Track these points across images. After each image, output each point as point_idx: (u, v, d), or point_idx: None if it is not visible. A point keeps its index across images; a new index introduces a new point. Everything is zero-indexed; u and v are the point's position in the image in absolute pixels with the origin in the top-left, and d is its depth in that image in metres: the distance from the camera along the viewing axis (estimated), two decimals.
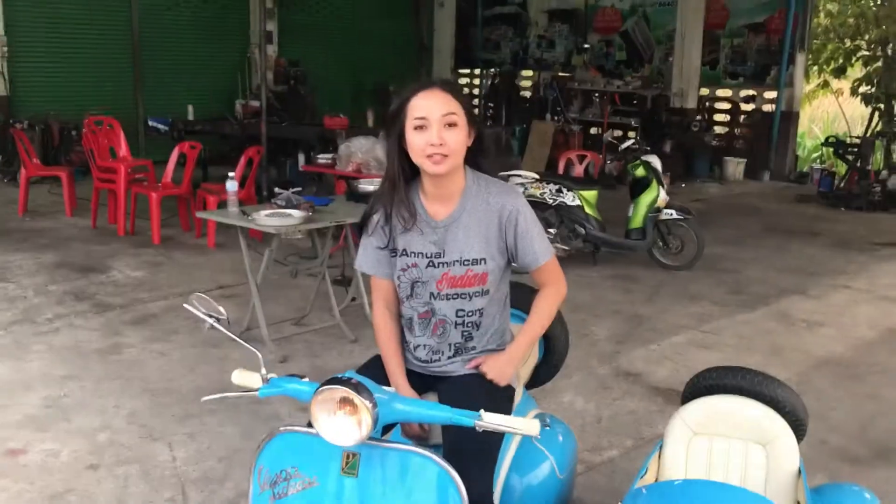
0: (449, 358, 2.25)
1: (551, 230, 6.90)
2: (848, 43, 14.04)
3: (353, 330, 5.17)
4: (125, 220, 7.79)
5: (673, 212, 7.10)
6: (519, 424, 1.70)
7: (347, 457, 1.73)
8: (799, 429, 2.54)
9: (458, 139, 2.10)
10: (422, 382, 2.26)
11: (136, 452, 3.60)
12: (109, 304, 5.69)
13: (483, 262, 2.19)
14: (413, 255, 2.21)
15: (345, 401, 1.65)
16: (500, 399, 2.19)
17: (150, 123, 10.85)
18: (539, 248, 2.22)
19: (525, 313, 2.77)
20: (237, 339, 1.94)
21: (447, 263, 2.19)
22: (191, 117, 10.45)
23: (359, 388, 1.64)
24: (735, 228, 9.15)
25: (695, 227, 7.14)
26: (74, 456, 3.55)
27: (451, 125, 2.08)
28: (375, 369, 2.24)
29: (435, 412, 1.75)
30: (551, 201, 6.97)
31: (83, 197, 8.61)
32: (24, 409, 4.00)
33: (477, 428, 1.71)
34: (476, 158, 2.24)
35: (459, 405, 2.06)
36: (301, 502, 1.76)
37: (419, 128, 2.08)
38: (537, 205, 6.70)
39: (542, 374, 2.82)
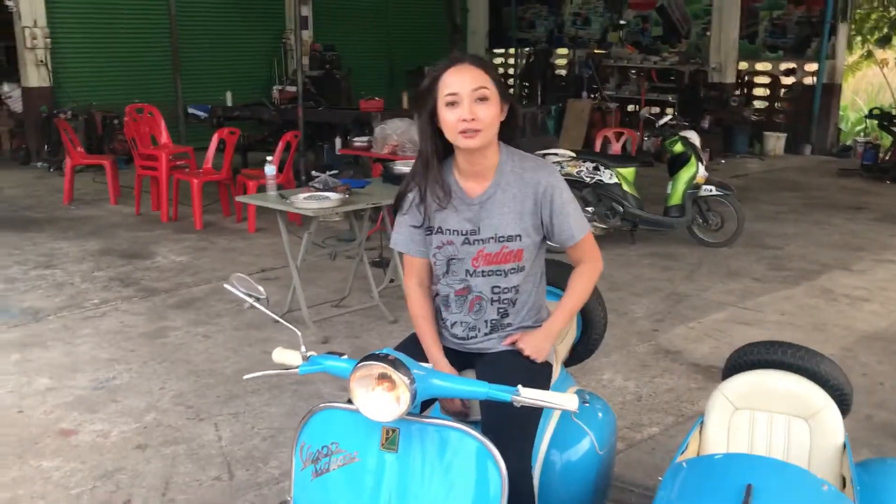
0: (486, 335, 2.26)
1: (589, 209, 6.87)
2: (893, 11, 13.69)
3: (392, 311, 5.21)
4: (168, 206, 7.92)
5: (712, 188, 7.01)
6: (557, 399, 1.70)
7: (387, 432, 1.76)
8: (843, 403, 2.52)
9: (491, 113, 2.10)
10: (459, 359, 2.28)
11: (183, 433, 3.69)
12: (154, 289, 5.80)
13: (518, 238, 2.19)
14: (449, 232, 2.22)
15: (383, 377, 1.67)
16: (538, 376, 2.20)
17: (190, 111, 11.01)
18: (575, 224, 2.22)
19: (561, 290, 2.78)
20: (278, 318, 1.98)
21: (482, 241, 2.20)
22: (229, 104, 10.55)
23: (396, 364, 1.66)
24: (776, 204, 9.02)
25: (734, 203, 7.05)
26: (123, 436, 3.65)
27: (483, 99, 2.08)
28: (412, 347, 2.26)
29: (472, 388, 1.76)
30: (588, 179, 6.92)
31: (126, 185, 8.77)
32: (75, 391, 4.11)
33: (514, 403, 1.72)
34: (510, 134, 2.24)
35: (497, 381, 2.08)
36: (342, 477, 1.79)
37: (451, 104, 2.08)
38: (574, 183, 6.66)
39: (580, 352, 2.83)
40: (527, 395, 1.72)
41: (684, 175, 6.98)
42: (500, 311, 2.25)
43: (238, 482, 3.28)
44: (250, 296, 2.00)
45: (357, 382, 1.69)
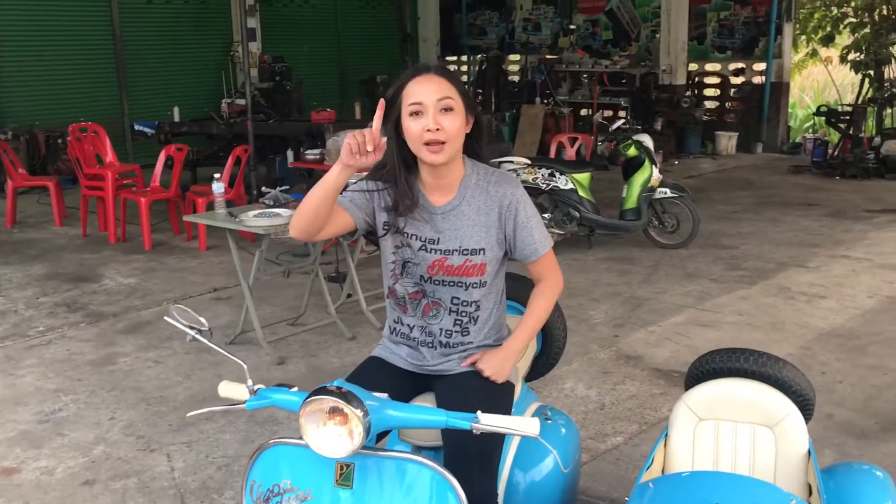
0: (443, 348, 2.19)
1: (545, 215, 6.84)
2: (835, 10, 13.96)
3: (350, 327, 5.11)
4: (115, 226, 7.70)
5: (667, 190, 7.03)
6: (518, 425, 1.63)
7: (341, 468, 1.67)
8: (806, 408, 2.49)
9: (456, 124, 2.04)
10: (418, 383, 2.19)
11: (134, 465, 3.54)
12: (102, 314, 5.62)
13: (482, 252, 2.14)
14: (407, 235, 2.16)
15: (335, 410, 1.58)
16: (500, 396, 2.13)
17: (136, 128, 10.74)
18: (539, 239, 2.17)
19: (521, 304, 2.72)
20: (221, 350, 1.87)
21: (443, 251, 2.14)
22: (177, 119, 10.33)
23: (348, 397, 1.57)
24: (730, 203, 9.10)
25: (689, 205, 7.08)
26: (70, 472, 3.49)
27: (448, 110, 2.03)
28: (370, 372, 2.17)
29: (430, 416, 1.68)
30: (544, 186, 6.89)
31: (72, 206, 8.53)
32: (18, 426, 3.93)
33: (474, 431, 1.64)
34: (475, 147, 2.19)
35: (457, 405, 2.01)
36: None
37: (415, 113, 2.02)
38: (530, 190, 6.62)
39: (541, 366, 2.76)
40: (487, 422, 1.64)
41: (639, 178, 6.99)
42: (458, 322, 2.18)
43: None
44: (192, 328, 1.89)
45: (307, 418, 1.60)
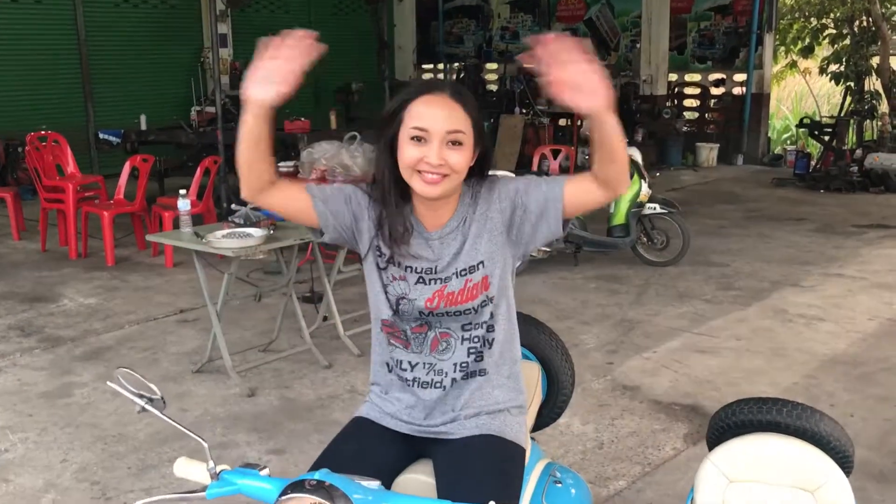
0: (454, 384, 1.86)
1: None
2: (814, 21, 13.88)
3: (326, 354, 4.77)
4: (76, 241, 7.29)
5: (656, 206, 6.78)
6: None
7: None
8: (846, 465, 2.21)
9: (463, 160, 1.73)
10: (413, 448, 1.87)
11: None
12: (59, 338, 5.23)
13: (481, 265, 1.82)
14: (402, 266, 1.83)
15: None
16: (510, 466, 1.81)
17: (101, 136, 10.32)
18: (546, 185, 1.80)
19: (529, 348, 2.40)
20: (176, 424, 1.53)
21: (441, 280, 1.82)
22: (144, 127, 9.93)
23: (333, 496, 1.25)
24: (716, 217, 8.88)
25: (679, 221, 6.83)
26: None
27: (456, 143, 1.71)
28: (356, 440, 1.85)
29: None
30: None
31: (32, 218, 8.10)
32: None
33: None
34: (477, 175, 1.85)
35: (461, 480, 1.71)
36: None
37: (417, 139, 1.70)
38: None
39: (546, 416, 2.45)
40: None
41: (627, 193, 6.72)
42: (472, 350, 1.85)
43: None
44: (142, 396, 1.55)
45: None
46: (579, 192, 1.77)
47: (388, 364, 1.91)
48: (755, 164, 12.81)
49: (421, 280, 1.82)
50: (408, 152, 1.71)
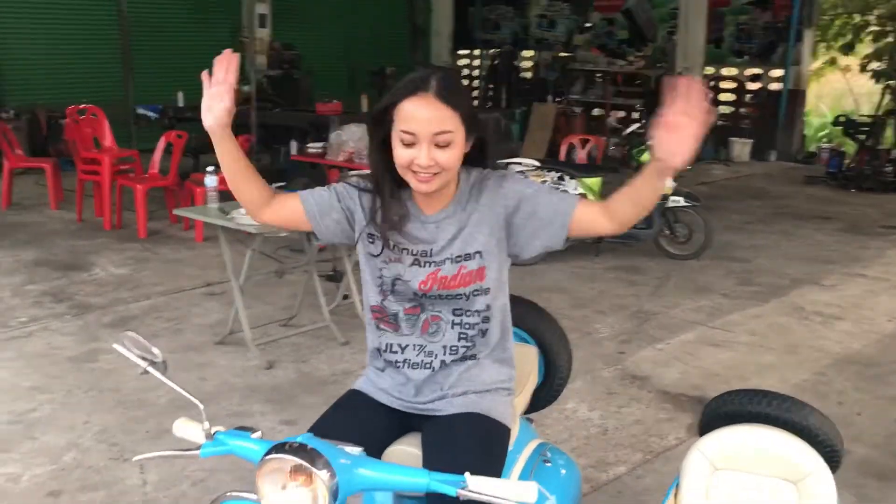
0: (444, 366, 1.94)
1: None
2: (857, 18, 13.66)
3: (344, 332, 4.88)
4: (111, 213, 7.50)
5: (680, 199, 6.77)
6: (512, 492, 1.40)
7: None
8: (833, 459, 2.26)
9: (453, 157, 1.78)
10: (402, 422, 1.97)
11: (104, 476, 3.33)
12: (89, 306, 5.40)
13: (478, 255, 1.88)
14: (398, 249, 1.91)
15: (297, 470, 1.35)
16: (494, 445, 1.89)
17: (139, 111, 10.53)
18: (557, 198, 1.85)
19: (529, 332, 2.48)
20: (175, 386, 1.65)
21: (436, 262, 1.89)
22: (181, 104, 10.11)
23: (313, 457, 1.34)
24: (743, 213, 8.84)
25: (703, 215, 6.83)
26: (36, 481, 3.28)
27: (445, 144, 1.76)
28: (348, 410, 1.95)
29: (409, 478, 1.45)
30: None
31: (71, 189, 8.31)
32: None
33: (460, 497, 1.41)
34: (477, 163, 1.92)
35: (444, 454, 1.80)
36: None
37: (407, 143, 1.76)
38: None
39: (542, 398, 2.54)
40: (475, 489, 1.41)
41: None
42: (463, 336, 1.93)
43: None
44: (144, 359, 1.66)
45: (265, 478, 1.37)
46: (588, 217, 1.82)
47: (378, 349, 1.99)
48: (788, 161, 12.68)
49: (416, 262, 1.90)
50: (400, 154, 1.78)
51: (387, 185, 1.88)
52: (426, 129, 1.74)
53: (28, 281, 5.91)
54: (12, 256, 6.51)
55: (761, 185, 10.78)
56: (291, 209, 1.93)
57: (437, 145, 1.75)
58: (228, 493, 1.56)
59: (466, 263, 1.88)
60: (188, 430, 1.61)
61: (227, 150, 1.83)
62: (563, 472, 2.32)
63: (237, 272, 4.62)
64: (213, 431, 1.58)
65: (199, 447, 1.58)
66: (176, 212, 5.28)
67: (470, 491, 1.40)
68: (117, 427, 3.74)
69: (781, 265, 6.78)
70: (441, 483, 1.42)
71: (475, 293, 1.90)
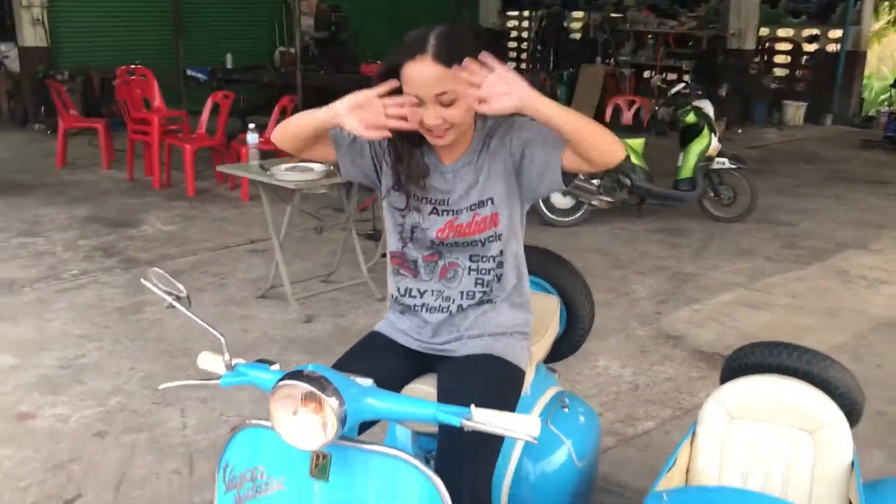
0: (462, 311, 1.98)
1: (594, 181, 6.55)
2: None
3: (382, 288, 4.96)
4: (160, 172, 7.68)
5: (725, 161, 6.68)
6: (514, 425, 1.44)
7: (317, 458, 1.51)
8: (853, 413, 2.26)
9: (461, 111, 1.80)
10: (420, 363, 2.02)
11: (147, 419, 3.47)
12: (137, 260, 5.58)
13: (490, 202, 1.92)
14: (417, 198, 1.96)
15: (309, 397, 1.42)
16: (508, 386, 1.94)
17: (189, 73, 10.71)
18: (545, 150, 1.83)
19: (546, 280, 2.52)
20: (197, 320, 1.72)
21: (453, 211, 1.94)
22: (230, 66, 10.26)
23: (323, 384, 1.40)
24: (793, 177, 8.66)
25: (748, 177, 6.72)
26: (83, 422, 3.43)
27: (450, 103, 1.78)
28: (369, 349, 2.01)
29: (416, 409, 1.51)
30: None
31: (122, 149, 8.52)
32: (39, 370, 3.90)
33: (464, 428, 1.46)
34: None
35: (457, 392, 1.85)
36: None
37: (415, 103, 1.79)
38: None
39: (563, 348, 2.57)
40: (479, 419, 1.46)
41: (696, 147, 6.65)
42: (479, 281, 1.97)
43: (197, 477, 3.06)
44: (169, 294, 1.74)
45: (277, 404, 1.44)
46: (572, 163, 1.82)
47: (398, 293, 2.04)
48: (845, 126, 12.34)
49: (434, 211, 1.94)
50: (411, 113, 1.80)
51: (405, 142, 1.92)
52: (428, 91, 1.76)
53: (80, 236, 6.11)
54: (66, 213, 6.73)
55: (814, 149, 10.53)
56: (326, 153, 1.99)
57: (442, 104, 1.78)
58: (248, 421, 1.63)
59: (480, 210, 1.92)
60: (210, 361, 1.69)
61: (324, 127, 1.84)
62: (582, 419, 2.36)
63: (277, 228, 4.72)
64: (233, 363, 1.65)
65: (219, 377, 1.65)
66: (219, 168, 5.40)
67: (474, 422, 1.45)
68: (160, 374, 3.89)
69: (829, 229, 6.65)
70: (446, 414, 1.47)
71: (490, 239, 1.94)
